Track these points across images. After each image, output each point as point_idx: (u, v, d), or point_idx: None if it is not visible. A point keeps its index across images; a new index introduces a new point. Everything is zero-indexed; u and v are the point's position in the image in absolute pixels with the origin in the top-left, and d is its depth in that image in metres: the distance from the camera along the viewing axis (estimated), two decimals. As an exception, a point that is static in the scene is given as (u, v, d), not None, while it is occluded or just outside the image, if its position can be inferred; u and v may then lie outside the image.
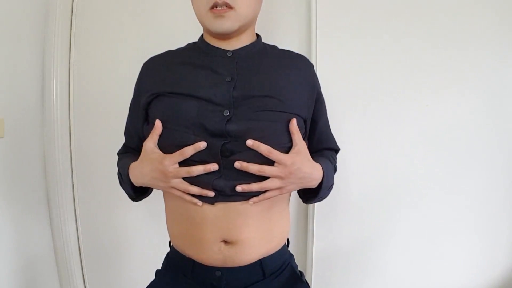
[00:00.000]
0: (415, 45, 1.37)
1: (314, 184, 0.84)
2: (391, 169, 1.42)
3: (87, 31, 1.51)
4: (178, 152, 0.75)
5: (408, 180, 1.42)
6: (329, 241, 1.46)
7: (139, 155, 0.91)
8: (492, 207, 1.42)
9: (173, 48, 0.97)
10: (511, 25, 1.35)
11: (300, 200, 1.48)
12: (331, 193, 1.44)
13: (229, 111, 0.77)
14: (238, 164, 0.75)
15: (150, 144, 0.78)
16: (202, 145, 0.74)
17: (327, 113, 0.99)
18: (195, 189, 0.76)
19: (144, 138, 0.87)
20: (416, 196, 1.42)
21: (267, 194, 0.77)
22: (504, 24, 1.35)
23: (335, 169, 0.97)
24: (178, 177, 0.76)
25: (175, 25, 1.45)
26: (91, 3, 1.51)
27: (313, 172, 0.81)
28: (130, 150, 0.97)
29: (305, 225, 1.48)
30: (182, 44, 0.98)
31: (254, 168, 0.74)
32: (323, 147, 0.97)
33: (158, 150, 0.78)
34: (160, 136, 0.82)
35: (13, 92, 1.35)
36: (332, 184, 0.92)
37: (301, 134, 0.82)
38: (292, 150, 0.79)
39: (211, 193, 0.76)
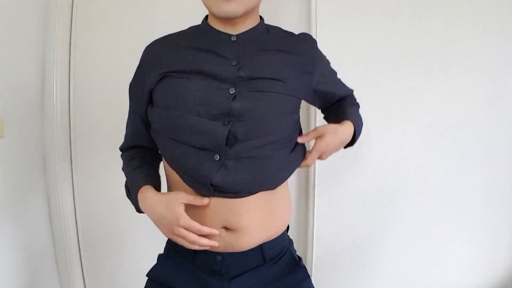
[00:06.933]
0: (415, 46, 1.37)
1: (349, 139, 0.93)
2: (392, 169, 1.42)
3: (87, 31, 1.51)
4: (195, 226, 0.76)
5: (409, 180, 1.42)
6: (329, 241, 1.46)
7: (149, 163, 0.92)
8: (493, 207, 1.42)
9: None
10: None
11: (301, 199, 1.50)
12: (331, 193, 1.45)
13: (235, 89, 0.78)
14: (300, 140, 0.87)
15: (183, 211, 0.77)
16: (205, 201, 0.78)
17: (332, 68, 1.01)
18: (204, 241, 0.78)
19: (147, 122, 0.88)
20: (417, 196, 1.42)
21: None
22: (507, 23, 1.35)
23: (358, 107, 1.05)
24: (187, 229, 0.77)
25: (176, 25, 1.45)
26: (91, 3, 1.51)
27: (343, 141, 0.91)
28: (137, 153, 0.95)
29: (305, 225, 1.49)
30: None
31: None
32: (341, 97, 1.04)
33: (185, 215, 0.77)
34: (163, 119, 0.82)
35: (13, 92, 1.35)
36: (362, 123, 1.00)
37: (298, 115, 0.88)
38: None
39: (215, 244, 0.78)
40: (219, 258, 0.82)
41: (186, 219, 0.76)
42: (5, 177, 1.32)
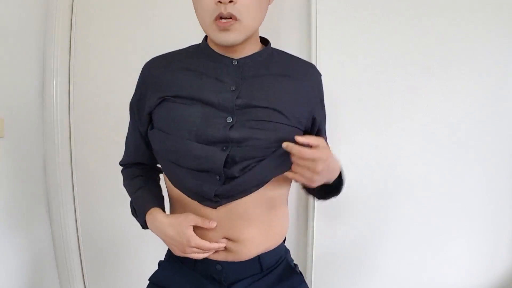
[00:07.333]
0: (415, 46, 1.37)
1: (336, 175, 0.88)
2: (392, 169, 1.42)
3: (87, 31, 1.52)
4: (205, 245, 0.81)
5: (409, 180, 1.42)
6: (329, 241, 1.46)
7: (152, 180, 0.94)
8: (493, 207, 1.42)
9: (175, 49, 0.96)
10: None
11: (300, 200, 1.50)
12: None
13: (232, 117, 0.79)
14: (284, 145, 0.76)
15: (193, 233, 0.81)
16: (212, 224, 0.81)
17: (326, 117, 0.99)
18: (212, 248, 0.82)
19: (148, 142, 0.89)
20: (417, 196, 1.42)
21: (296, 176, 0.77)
22: (507, 23, 1.35)
23: None
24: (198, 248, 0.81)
25: (177, 25, 1.45)
26: (91, 3, 1.51)
27: (332, 168, 0.85)
28: (139, 170, 0.97)
29: (305, 225, 1.49)
30: (184, 45, 0.97)
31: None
32: None
33: (195, 237, 0.81)
34: (162, 142, 0.83)
35: (13, 92, 1.36)
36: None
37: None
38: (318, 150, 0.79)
39: (223, 245, 0.82)
40: (218, 267, 0.84)
41: (196, 240, 0.80)
42: (5, 177, 1.32)
